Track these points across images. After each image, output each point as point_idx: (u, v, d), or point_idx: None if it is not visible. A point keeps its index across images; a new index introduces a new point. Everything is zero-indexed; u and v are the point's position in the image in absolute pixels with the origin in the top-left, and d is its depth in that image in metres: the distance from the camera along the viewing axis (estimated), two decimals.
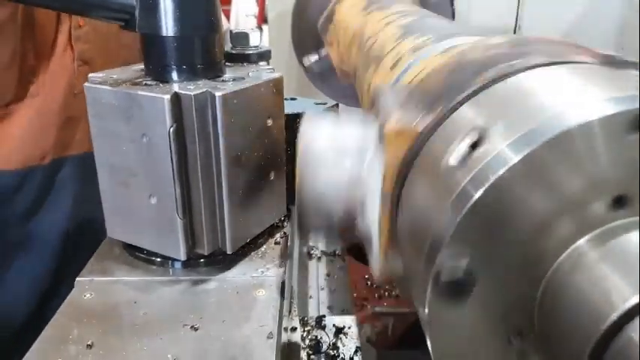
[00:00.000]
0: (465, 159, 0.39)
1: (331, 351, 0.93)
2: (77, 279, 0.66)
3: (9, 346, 1.01)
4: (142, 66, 0.68)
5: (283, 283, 0.66)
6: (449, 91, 0.46)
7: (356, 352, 0.93)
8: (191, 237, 0.65)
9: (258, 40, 0.79)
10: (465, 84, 0.45)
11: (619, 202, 0.37)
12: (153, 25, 0.63)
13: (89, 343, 0.55)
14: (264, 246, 0.73)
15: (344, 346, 0.94)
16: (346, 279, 1.31)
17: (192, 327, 0.58)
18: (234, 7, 3.42)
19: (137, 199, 0.65)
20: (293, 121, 0.76)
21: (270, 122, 0.68)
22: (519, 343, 0.40)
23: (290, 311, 0.85)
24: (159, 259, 0.68)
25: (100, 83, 0.63)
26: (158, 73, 0.65)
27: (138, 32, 0.65)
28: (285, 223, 0.78)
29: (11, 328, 1.07)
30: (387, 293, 1.25)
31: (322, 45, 1.22)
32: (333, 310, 1.19)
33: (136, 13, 0.64)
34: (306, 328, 0.97)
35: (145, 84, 0.63)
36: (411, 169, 0.46)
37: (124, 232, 0.69)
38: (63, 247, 1.12)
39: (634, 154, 0.36)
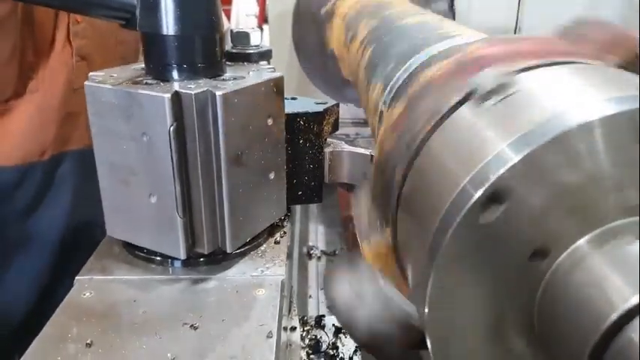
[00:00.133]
0: None
1: (331, 350, 0.93)
2: (77, 277, 0.66)
3: (8, 344, 1.01)
4: (142, 65, 0.68)
5: (283, 283, 0.66)
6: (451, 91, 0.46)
7: (355, 351, 0.93)
8: (191, 236, 0.65)
9: (259, 39, 0.79)
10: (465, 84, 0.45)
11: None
12: (153, 24, 0.63)
13: (88, 341, 0.55)
14: (264, 245, 0.73)
15: (343, 345, 0.94)
16: None
17: (191, 326, 0.58)
18: (234, 7, 3.42)
19: (137, 197, 0.65)
20: (293, 121, 0.76)
21: (270, 121, 0.68)
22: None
23: (290, 311, 0.85)
24: (158, 258, 0.68)
25: (100, 82, 0.63)
26: (158, 72, 0.65)
27: (138, 31, 0.65)
28: (285, 223, 0.78)
29: (11, 326, 1.07)
30: None
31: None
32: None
33: (137, 12, 0.64)
34: (305, 328, 0.98)
35: (146, 83, 0.63)
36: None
37: (124, 231, 0.69)
38: (63, 243, 1.12)
39: (634, 154, 0.36)
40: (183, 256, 0.65)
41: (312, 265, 1.38)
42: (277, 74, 0.70)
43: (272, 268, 0.69)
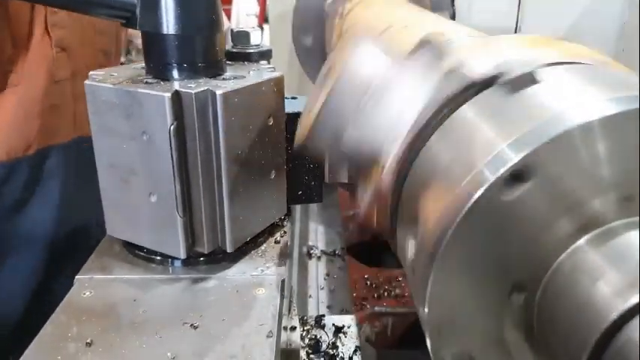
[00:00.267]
0: None
1: (330, 350, 0.93)
2: (77, 277, 0.66)
3: (4, 343, 1.00)
4: (142, 64, 0.68)
5: (283, 282, 0.66)
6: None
7: (355, 351, 0.93)
8: (191, 235, 0.65)
9: (259, 39, 0.79)
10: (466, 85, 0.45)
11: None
12: (154, 23, 0.63)
13: (88, 340, 0.55)
14: (264, 245, 0.73)
15: (343, 345, 0.94)
16: (346, 279, 1.31)
17: (191, 325, 0.58)
18: (235, 7, 3.43)
19: (137, 197, 0.65)
20: (294, 120, 0.76)
21: (270, 121, 0.68)
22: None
23: (289, 310, 0.85)
24: (159, 257, 0.68)
25: (100, 81, 0.63)
26: (159, 71, 0.65)
27: (139, 30, 0.65)
28: (286, 222, 0.78)
29: (6, 325, 1.06)
30: (386, 293, 1.26)
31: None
32: (332, 309, 1.19)
33: (137, 11, 0.64)
34: (305, 328, 0.98)
35: (146, 82, 0.63)
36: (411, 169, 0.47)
37: (124, 230, 0.69)
38: (56, 239, 1.11)
39: (634, 154, 0.36)
40: (183, 255, 0.65)
41: (312, 264, 1.38)
42: (277, 74, 0.70)
43: (272, 267, 0.69)
